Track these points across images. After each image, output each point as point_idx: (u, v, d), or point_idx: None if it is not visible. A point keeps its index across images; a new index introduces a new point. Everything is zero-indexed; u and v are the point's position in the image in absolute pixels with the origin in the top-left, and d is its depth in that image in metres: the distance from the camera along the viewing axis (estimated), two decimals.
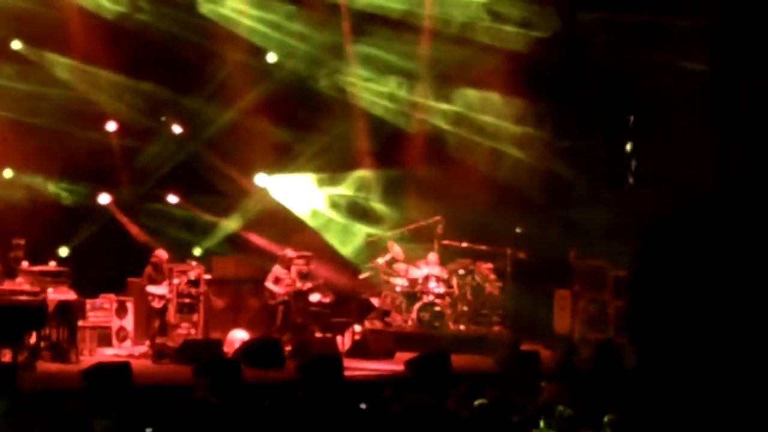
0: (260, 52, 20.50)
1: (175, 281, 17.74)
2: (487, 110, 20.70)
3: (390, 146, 20.92)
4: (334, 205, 21.11)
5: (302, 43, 20.55)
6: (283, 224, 20.44)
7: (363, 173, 21.05)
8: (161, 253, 17.91)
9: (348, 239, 20.87)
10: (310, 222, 20.93)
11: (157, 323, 17.39)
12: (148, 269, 17.65)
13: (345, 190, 21.07)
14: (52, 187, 19.21)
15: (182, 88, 19.82)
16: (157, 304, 17.45)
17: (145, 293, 17.50)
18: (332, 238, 20.84)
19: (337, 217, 21.06)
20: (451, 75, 20.80)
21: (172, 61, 19.31)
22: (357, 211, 21.13)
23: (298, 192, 20.96)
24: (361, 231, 20.89)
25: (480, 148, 20.64)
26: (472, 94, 20.73)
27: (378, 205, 21.10)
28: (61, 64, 19.24)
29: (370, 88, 20.91)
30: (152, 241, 19.26)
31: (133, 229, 19.71)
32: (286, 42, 20.50)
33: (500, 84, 20.34)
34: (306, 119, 20.51)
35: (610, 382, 11.46)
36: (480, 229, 19.85)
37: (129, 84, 19.49)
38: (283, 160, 20.58)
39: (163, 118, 20.08)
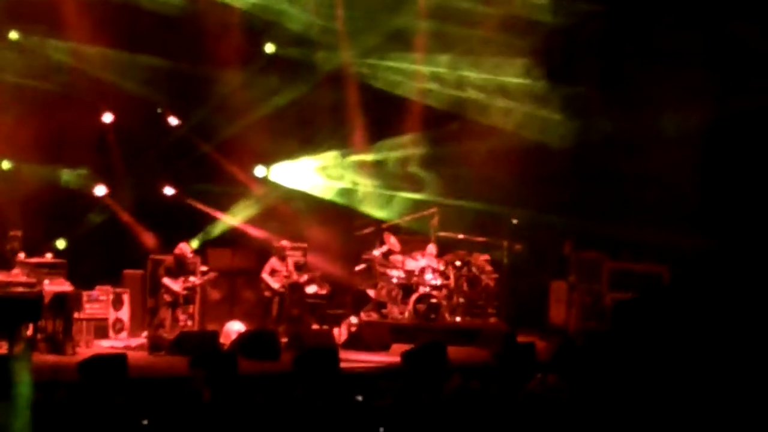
0: (261, 33, 20.34)
1: (192, 279, 17.69)
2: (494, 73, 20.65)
3: (404, 118, 20.82)
4: (367, 176, 21.03)
5: (303, 14, 20.43)
6: (281, 216, 20.41)
7: (392, 141, 20.99)
8: (184, 247, 17.81)
9: (389, 206, 20.81)
10: (340, 201, 20.83)
11: (161, 317, 17.35)
12: (170, 261, 17.59)
13: (376, 157, 21.01)
14: (49, 179, 19.17)
15: (182, 75, 19.71)
16: (168, 298, 17.42)
17: (161, 285, 17.48)
18: (371, 210, 20.76)
19: (372, 186, 20.97)
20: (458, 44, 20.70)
21: (174, 43, 19.19)
22: (394, 178, 21.09)
23: (317, 176, 20.87)
24: (400, 197, 20.86)
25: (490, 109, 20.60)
26: (475, 59, 20.68)
27: (416, 170, 21.06)
28: (59, 48, 19.10)
29: (371, 63, 20.84)
30: (149, 233, 19.25)
31: (129, 221, 19.66)
32: (288, 14, 20.37)
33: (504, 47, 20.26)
34: (313, 100, 20.44)
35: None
36: (477, 218, 19.94)
37: (128, 63, 19.33)
38: (291, 146, 20.50)
39: (159, 110, 20.02)
